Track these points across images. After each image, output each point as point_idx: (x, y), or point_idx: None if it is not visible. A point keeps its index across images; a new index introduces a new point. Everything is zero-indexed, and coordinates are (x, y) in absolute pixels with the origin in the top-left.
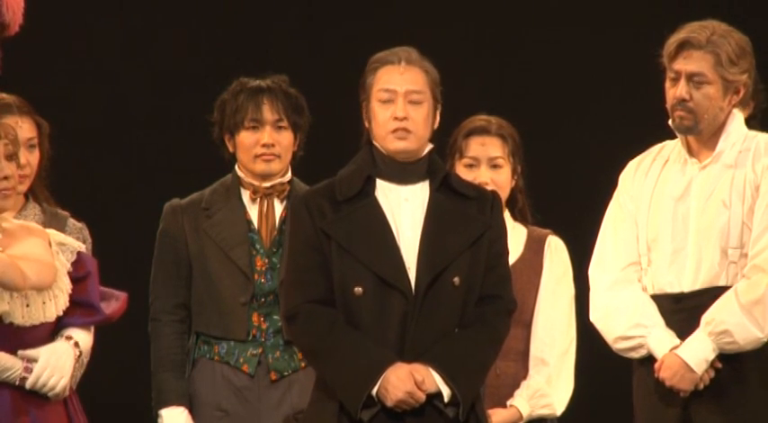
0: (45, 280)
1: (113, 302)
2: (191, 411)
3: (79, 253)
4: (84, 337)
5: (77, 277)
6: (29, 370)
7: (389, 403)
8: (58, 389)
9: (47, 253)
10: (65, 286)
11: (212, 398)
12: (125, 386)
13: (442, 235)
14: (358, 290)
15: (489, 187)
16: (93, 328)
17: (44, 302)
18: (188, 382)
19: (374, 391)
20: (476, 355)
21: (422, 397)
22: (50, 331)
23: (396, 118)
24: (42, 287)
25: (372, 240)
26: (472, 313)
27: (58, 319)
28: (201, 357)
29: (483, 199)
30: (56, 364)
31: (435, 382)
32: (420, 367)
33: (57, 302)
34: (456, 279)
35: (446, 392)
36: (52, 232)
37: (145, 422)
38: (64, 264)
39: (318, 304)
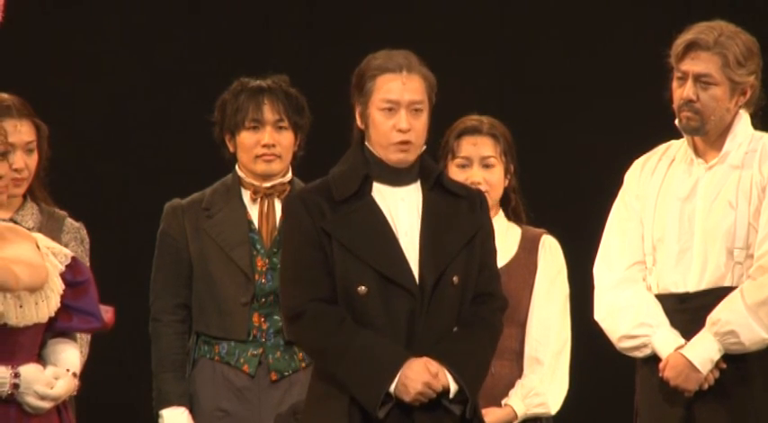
0: (37, 281)
1: (104, 313)
2: (191, 411)
3: (74, 258)
4: (76, 361)
5: (75, 282)
6: (16, 386)
7: (408, 398)
8: (38, 410)
9: (36, 254)
10: (56, 287)
11: (212, 398)
12: (125, 386)
13: (439, 234)
14: (362, 289)
15: (482, 187)
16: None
17: (36, 303)
18: (188, 382)
19: (391, 388)
20: (479, 353)
21: (438, 387)
22: (43, 332)
23: (400, 130)
24: (34, 288)
25: (374, 239)
26: (468, 311)
27: (51, 320)
28: (202, 357)
29: (472, 198)
30: (50, 394)
31: (447, 376)
32: (433, 360)
33: (49, 303)
34: (455, 278)
35: (453, 388)
36: (39, 237)
37: (145, 422)
38: (55, 265)
39: (324, 303)
